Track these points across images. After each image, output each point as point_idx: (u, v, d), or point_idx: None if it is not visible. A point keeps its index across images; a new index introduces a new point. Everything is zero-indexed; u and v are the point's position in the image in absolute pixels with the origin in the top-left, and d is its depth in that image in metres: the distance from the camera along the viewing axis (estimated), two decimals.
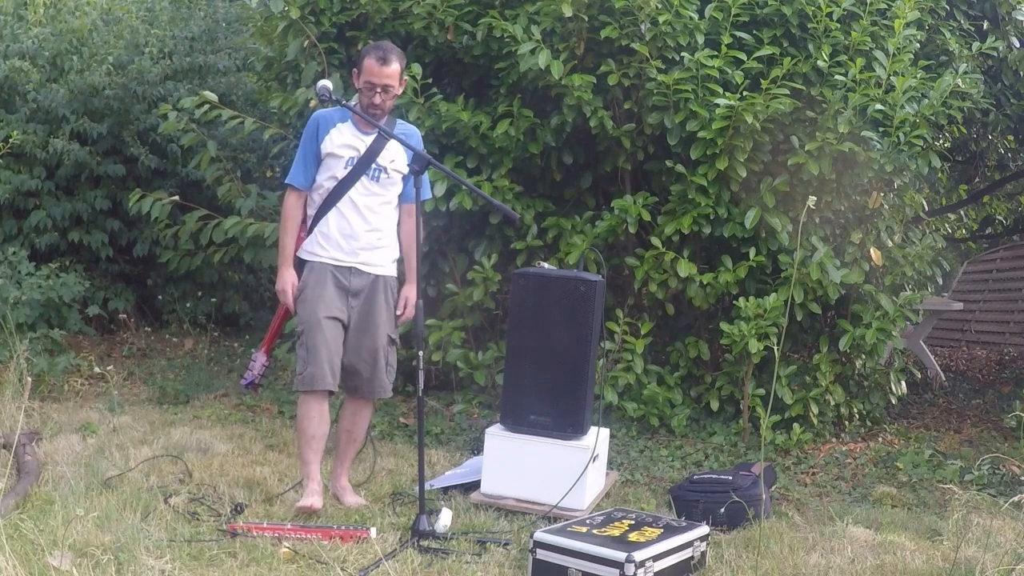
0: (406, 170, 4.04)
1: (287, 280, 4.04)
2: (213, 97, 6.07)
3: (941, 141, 6.41)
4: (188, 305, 7.54)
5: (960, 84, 5.22)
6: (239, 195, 6.41)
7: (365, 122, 3.99)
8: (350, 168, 3.99)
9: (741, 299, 5.22)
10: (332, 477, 4.23)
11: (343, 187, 3.99)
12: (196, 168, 6.69)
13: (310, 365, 3.95)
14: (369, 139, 4.00)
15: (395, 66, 3.95)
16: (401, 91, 4.08)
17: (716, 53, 5.20)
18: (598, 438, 4.18)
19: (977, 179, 9.84)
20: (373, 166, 4.00)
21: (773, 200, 5.29)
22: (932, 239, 5.82)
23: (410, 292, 4.14)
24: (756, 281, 5.45)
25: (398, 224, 4.16)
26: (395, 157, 4.03)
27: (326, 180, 4.02)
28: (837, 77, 5.24)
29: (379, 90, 3.93)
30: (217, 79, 7.55)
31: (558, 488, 4.04)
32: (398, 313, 4.14)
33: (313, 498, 3.92)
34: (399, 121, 4.16)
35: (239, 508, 3.92)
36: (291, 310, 4.07)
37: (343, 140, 4.00)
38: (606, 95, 5.44)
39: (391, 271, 4.14)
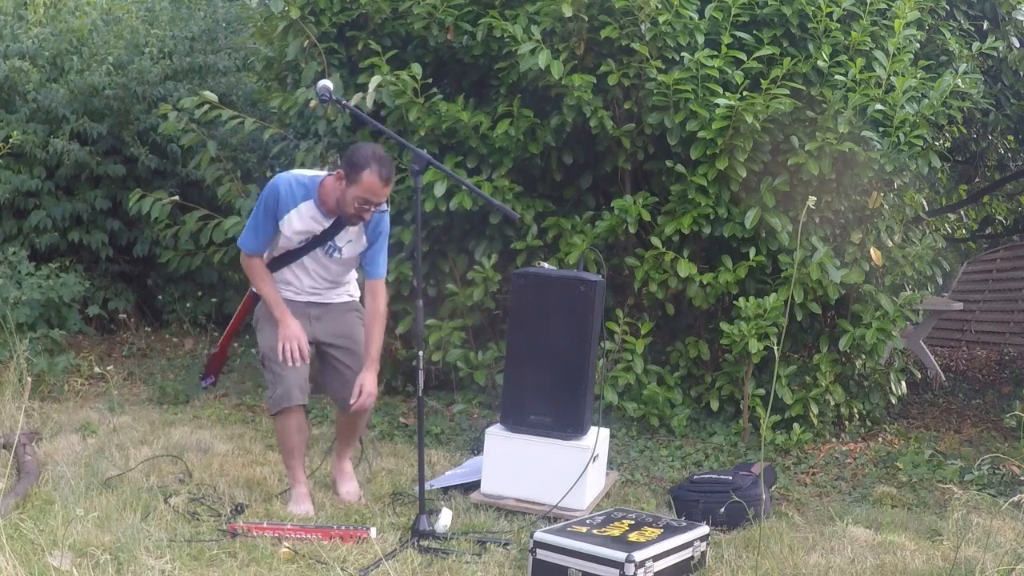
0: (364, 246, 4.00)
1: (293, 329, 3.88)
2: (213, 97, 6.06)
3: (941, 141, 6.40)
4: (188, 305, 7.54)
5: (960, 84, 5.22)
6: (239, 195, 6.40)
7: (328, 205, 3.87)
8: (304, 244, 3.95)
9: (741, 299, 5.22)
10: (335, 460, 4.26)
11: (295, 255, 3.98)
12: (196, 168, 6.68)
13: (278, 388, 3.92)
14: (329, 222, 3.91)
15: (393, 180, 3.82)
16: None
17: (716, 53, 5.20)
18: (598, 438, 4.18)
19: (977, 179, 9.82)
20: (329, 244, 3.95)
21: (773, 200, 5.29)
22: (932, 239, 5.82)
23: (367, 379, 3.93)
24: (756, 281, 5.45)
25: (362, 294, 4.14)
26: (352, 239, 3.97)
27: (277, 249, 3.99)
28: (837, 77, 5.24)
29: (373, 207, 3.80)
30: (217, 79, 7.55)
31: (558, 488, 4.04)
32: (351, 402, 3.96)
33: (305, 505, 3.96)
34: None
35: (239, 508, 3.92)
36: (306, 359, 3.91)
37: (303, 225, 3.89)
38: (606, 95, 5.44)
39: (353, 296, 4.17)
